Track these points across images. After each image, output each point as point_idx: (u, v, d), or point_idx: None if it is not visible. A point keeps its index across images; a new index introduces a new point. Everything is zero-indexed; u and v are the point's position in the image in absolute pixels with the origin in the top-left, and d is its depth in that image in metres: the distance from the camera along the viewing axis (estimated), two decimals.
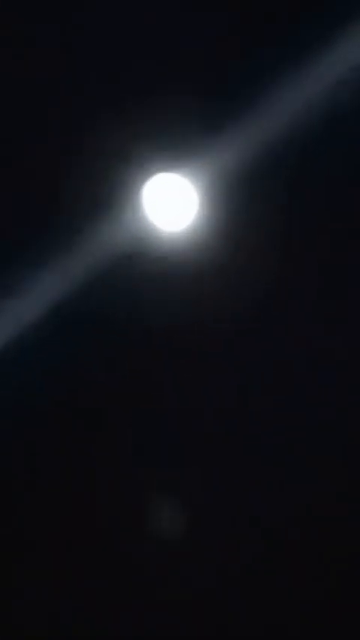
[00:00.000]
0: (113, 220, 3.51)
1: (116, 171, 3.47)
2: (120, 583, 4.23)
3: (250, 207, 3.49)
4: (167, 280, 3.56)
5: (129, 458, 3.83)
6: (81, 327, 3.61)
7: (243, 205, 3.49)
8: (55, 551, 4.13)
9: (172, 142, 3.43)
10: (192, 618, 4.44)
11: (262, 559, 4.34)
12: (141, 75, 3.37)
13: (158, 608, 4.40)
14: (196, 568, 4.24)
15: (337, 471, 3.96)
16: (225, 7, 3.25)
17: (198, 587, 4.36)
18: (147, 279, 3.56)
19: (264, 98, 3.38)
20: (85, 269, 3.54)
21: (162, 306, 3.58)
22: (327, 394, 3.71)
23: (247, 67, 3.34)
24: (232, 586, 4.34)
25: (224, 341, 3.63)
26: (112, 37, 3.30)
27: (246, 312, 3.59)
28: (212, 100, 3.39)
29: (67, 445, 3.83)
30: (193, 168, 3.46)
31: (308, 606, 4.38)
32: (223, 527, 4.14)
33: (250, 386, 3.69)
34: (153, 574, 4.21)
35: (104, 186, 3.49)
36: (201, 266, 3.54)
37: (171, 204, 3.50)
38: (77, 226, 3.51)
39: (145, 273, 3.55)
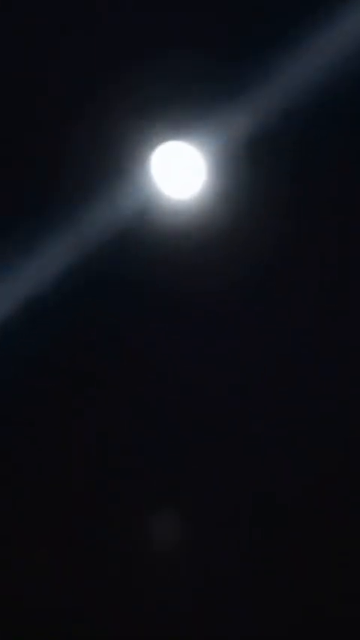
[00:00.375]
0: (121, 188, 3.54)
1: (124, 140, 3.51)
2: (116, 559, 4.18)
3: (258, 175, 3.53)
4: (174, 248, 3.59)
5: (130, 422, 3.82)
6: (88, 294, 3.63)
7: (250, 174, 3.53)
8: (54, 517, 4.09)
9: (180, 111, 3.48)
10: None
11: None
12: (149, 43, 3.43)
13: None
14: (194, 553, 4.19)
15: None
16: None
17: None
18: (155, 247, 3.58)
19: (272, 67, 3.44)
20: (94, 237, 3.56)
21: (169, 273, 3.60)
22: (331, 362, 3.73)
23: (256, 34, 3.40)
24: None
25: (229, 308, 3.64)
26: (125, 3, 3.37)
27: (252, 280, 3.61)
28: (220, 68, 3.45)
29: (70, 410, 3.82)
30: (201, 136, 3.50)
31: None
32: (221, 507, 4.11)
33: (255, 350, 3.69)
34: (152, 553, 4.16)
35: (112, 155, 3.53)
36: (208, 234, 3.57)
37: (179, 172, 3.54)
38: (86, 194, 3.54)
39: (153, 241, 3.58)
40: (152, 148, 3.52)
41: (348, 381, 3.87)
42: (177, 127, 3.50)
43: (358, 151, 3.53)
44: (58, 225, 3.57)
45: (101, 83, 3.48)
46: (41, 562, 4.25)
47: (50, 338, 3.71)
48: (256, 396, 3.82)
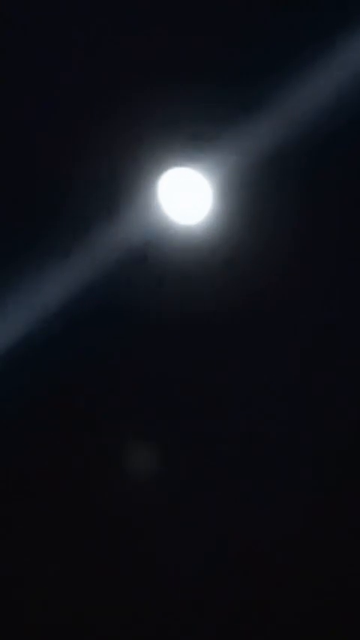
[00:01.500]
0: (129, 214, 3.54)
1: (132, 166, 3.51)
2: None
3: (264, 201, 3.54)
4: (181, 274, 3.59)
5: (142, 448, 3.82)
6: (96, 320, 3.62)
7: (257, 199, 3.54)
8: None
9: (187, 137, 3.49)
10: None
11: None
12: (155, 69, 3.44)
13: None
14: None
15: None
16: None
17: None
18: (162, 273, 3.58)
19: (279, 93, 3.46)
20: (101, 262, 3.56)
21: (177, 298, 3.61)
22: (344, 385, 3.74)
23: (263, 61, 3.42)
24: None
25: (237, 333, 3.65)
26: (130, 30, 3.37)
27: (258, 305, 3.62)
28: (227, 94, 3.46)
29: (84, 438, 3.82)
30: (208, 162, 3.51)
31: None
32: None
33: (264, 375, 3.70)
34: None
35: (120, 180, 3.53)
36: (215, 260, 3.58)
37: (186, 198, 3.54)
38: (93, 219, 3.54)
39: (160, 267, 3.58)
40: (159, 174, 3.52)
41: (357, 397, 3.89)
42: (183, 154, 3.50)
43: None
44: (66, 251, 3.56)
45: (107, 110, 3.48)
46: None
47: (57, 363, 3.69)
48: (267, 417, 3.83)
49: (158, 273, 3.58)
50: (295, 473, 4.12)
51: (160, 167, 3.51)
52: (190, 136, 3.50)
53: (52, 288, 3.56)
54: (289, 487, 4.18)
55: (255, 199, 3.54)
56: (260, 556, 4.40)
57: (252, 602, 4.51)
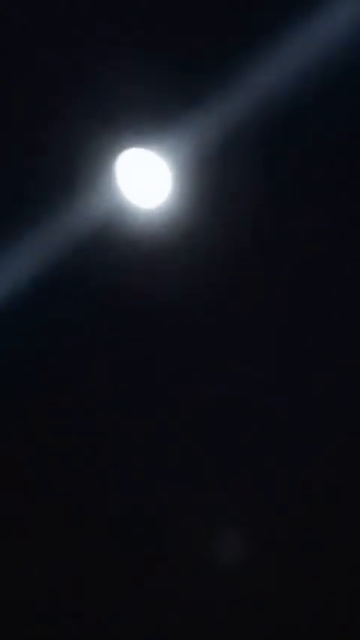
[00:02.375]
0: (87, 196, 3.49)
1: (89, 148, 3.46)
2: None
3: (225, 183, 3.44)
4: (140, 257, 3.51)
5: (97, 424, 3.76)
6: (53, 303, 3.58)
7: (217, 182, 3.44)
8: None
9: (145, 117, 3.42)
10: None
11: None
12: (116, 50, 3.39)
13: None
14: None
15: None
16: None
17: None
18: (120, 257, 3.52)
19: (238, 74, 3.36)
20: (59, 244, 3.52)
21: (135, 283, 3.53)
22: (296, 367, 3.61)
23: (222, 42, 3.33)
24: None
25: (197, 315, 3.55)
26: (89, 11, 3.33)
27: (215, 289, 3.51)
28: (186, 75, 3.38)
29: (48, 415, 3.79)
30: (167, 144, 3.43)
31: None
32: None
33: (224, 357, 3.60)
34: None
35: (77, 162, 3.48)
36: (175, 241, 3.49)
37: (145, 180, 3.47)
38: (51, 202, 3.50)
39: (119, 251, 3.51)
40: (117, 156, 3.46)
41: (312, 383, 3.76)
42: (143, 136, 3.44)
43: (324, 160, 3.41)
44: (23, 234, 3.53)
45: (65, 91, 3.44)
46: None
47: (13, 347, 3.67)
48: (222, 397, 3.73)
49: (116, 257, 3.51)
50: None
51: (117, 148, 3.45)
52: (148, 116, 3.42)
53: (6, 272, 3.53)
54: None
55: (215, 182, 3.44)
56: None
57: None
